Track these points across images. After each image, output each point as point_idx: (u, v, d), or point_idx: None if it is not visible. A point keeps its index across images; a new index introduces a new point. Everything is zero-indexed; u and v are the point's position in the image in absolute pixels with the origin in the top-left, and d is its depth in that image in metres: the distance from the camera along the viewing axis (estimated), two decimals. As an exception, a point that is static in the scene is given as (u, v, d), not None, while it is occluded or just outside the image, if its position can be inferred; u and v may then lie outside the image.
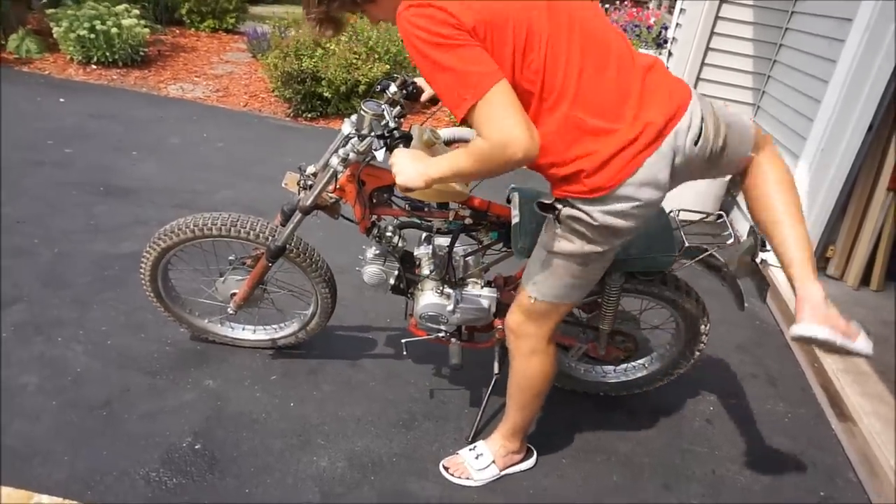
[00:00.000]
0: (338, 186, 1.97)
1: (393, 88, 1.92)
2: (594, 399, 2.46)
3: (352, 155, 1.80)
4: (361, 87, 5.30)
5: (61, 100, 4.88)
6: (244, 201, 3.69)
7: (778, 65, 4.25)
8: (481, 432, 2.22)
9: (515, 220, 1.91)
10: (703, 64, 4.56)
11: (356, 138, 1.81)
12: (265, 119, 5.26)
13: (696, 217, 2.09)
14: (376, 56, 5.40)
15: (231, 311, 2.26)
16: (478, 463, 2.03)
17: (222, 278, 2.24)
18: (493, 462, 2.03)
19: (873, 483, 2.27)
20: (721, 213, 2.14)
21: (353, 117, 1.98)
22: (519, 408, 1.96)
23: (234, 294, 2.23)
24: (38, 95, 4.88)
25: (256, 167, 4.22)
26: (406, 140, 1.67)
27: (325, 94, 5.25)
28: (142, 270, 2.19)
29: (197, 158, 4.22)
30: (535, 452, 2.13)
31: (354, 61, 5.23)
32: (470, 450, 2.07)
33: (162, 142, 4.39)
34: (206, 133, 4.68)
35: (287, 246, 2.06)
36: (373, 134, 1.77)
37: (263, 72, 5.97)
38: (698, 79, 4.59)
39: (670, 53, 4.90)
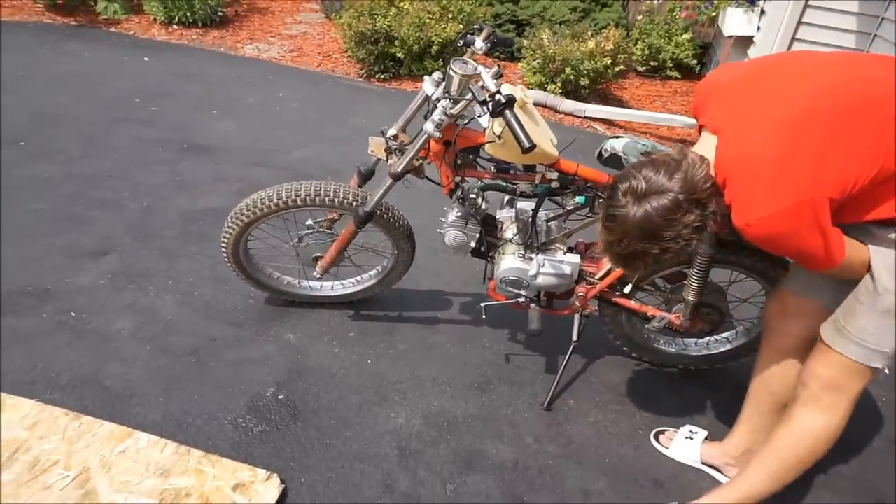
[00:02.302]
0: (413, 139, 1.94)
1: (479, 44, 1.86)
2: (672, 372, 2.39)
3: (446, 119, 1.75)
4: (434, 48, 5.22)
5: (145, 59, 5.03)
6: (318, 161, 3.73)
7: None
8: (556, 399, 2.19)
9: (622, 143, 1.85)
10: (799, 22, 4.25)
11: (447, 101, 1.76)
12: (338, 79, 5.27)
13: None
14: (450, 15, 5.29)
15: (318, 275, 2.29)
16: None
17: (303, 243, 2.25)
18: None
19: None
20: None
21: (436, 75, 1.93)
22: (772, 470, 1.62)
23: (317, 258, 2.26)
24: (125, 55, 5.04)
25: (329, 127, 4.25)
26: (511, 104, 1.61)
27: (398, 55, 5.20)
28: (224, 245, 2.18)
29: (272, 118, 4.28)
30: None
31: (428, 20, 5.15)
32: None
33: (240, 101, 4.47)
34: (282, 93, 4.73)
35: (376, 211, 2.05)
36: (468, 97, 1.72)
37: (337, 32, 5.97)
38: (794, 39, 4.29)
39: (763, 12, 4.59)
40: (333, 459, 1.86)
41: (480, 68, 1.69)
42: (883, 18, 3.88)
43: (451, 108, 1.75)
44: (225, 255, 2.21)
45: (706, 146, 1.39)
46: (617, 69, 5.37)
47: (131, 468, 1.69)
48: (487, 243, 2.12)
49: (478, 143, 1.90)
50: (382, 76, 5.33)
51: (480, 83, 1.67)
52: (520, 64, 5.64)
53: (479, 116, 1.64)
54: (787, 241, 1.31)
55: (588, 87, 5.23)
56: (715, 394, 2.32)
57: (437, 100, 1.78)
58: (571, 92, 5.25)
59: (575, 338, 2.19)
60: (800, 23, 4.23)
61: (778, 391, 1.77)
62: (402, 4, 5.15)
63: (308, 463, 1.84)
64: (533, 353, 2.40)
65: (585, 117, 5.09)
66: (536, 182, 1.96)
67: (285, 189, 2.06)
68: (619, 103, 5.64)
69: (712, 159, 1.36)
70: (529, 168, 1.95)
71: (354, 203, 2.07)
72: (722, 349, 2.34)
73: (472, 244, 2.11)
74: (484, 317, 2.19)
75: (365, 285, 2.47)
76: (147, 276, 2.55)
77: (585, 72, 5.10)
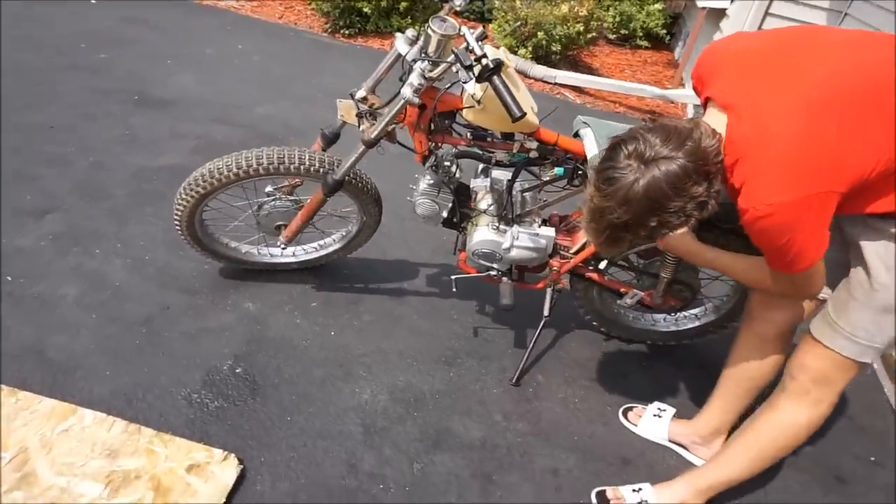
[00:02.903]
0: (387, 103, 1.81)
1: (458, 0, 1.73)
2: (641, 348, 2.37)
3: (425, 83, 1.62)
4: (403, 4, 5.02)
5: (92, 1, 4.68)
6: (282, 119, 3.55)
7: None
8: (525, 374, 2.15)
9: (592, 153, 1.76)
10: (775, -4, 4.21)
11: (425, 63, 1.63)
12: (301, 33, 5.02)
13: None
14: (421, -30, 5.07)
15: (282, 245, 2.16)
16: None
17: (263, 211, 2.10)
18: None
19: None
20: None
21: (409, 33, 1.81)
22: (750, 458, 1.63)
23: (279, 226, 2.13)
24: (68, -5, 4.68)
25: (293, 84, 4.04)
26: (499, 69, 1.50)
27: (365, 10, 4.97)
28: (177, 218, 2.01)
29: (232, 71, 4.05)
30: None
31: (397, -25, 4.93)
32: (634, 490, 1.76)
33: (197, 52, 4.21)
34: (241, 45, 4.47)
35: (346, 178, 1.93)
36: (450, 59, 1.59)
37: (301, -18, 5.68)
38: (766, 13, 4.25)
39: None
40: (295, 437, 1.78)
41: (464, 29, 1.57)
42: (855, -3, 3.87)
43: (431, 71, 1.63)
44: (178, 227, 2.06)
45: (713, 122, 1.30)
46: (589, 36, 5.25)
47: (75, 448, 1.57)
48: (460, 213, 2.03)
49: (454, 108, 1.79)
50: (348, 32, 5.11)
51: (464, 45, 1.55)
52: (491, 26, 5.47)
53: (464, 83, 1.52)
54: (784, 234, 1.23)
55: (559, 53, 5.11)
56: (683, 371, 2.32)
57: (414, 61, 1.65)
58: (542, 57, 5.13)
59: (546, 312, 2.14)
60: (774, -4, 4.19)
61: (755, 376, 1.75)
62: (370, -44, 4.90)
63: (268, 441, 1.75)
64: (501, 327, 2.34)
65: (555, 84, 4.99)
66: (514, 151, 1.87)
67: (245, 157, 1.91)
68: (590, 71, 5.55)
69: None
70: (507, 136, 1.85)
71: (321, 170, 1.94)
72: (691, 325, 2.33)
73: (444, 214, 2.02)
74: (454, 290, 2.12)
75: (328, 250, 2.36)
76: (94, 238, 2.38)
77: (558, 37, 4.98)
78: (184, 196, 1.94)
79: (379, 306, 2.33)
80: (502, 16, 5.25)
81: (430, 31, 1.61)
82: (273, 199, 2.08)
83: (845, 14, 4.03)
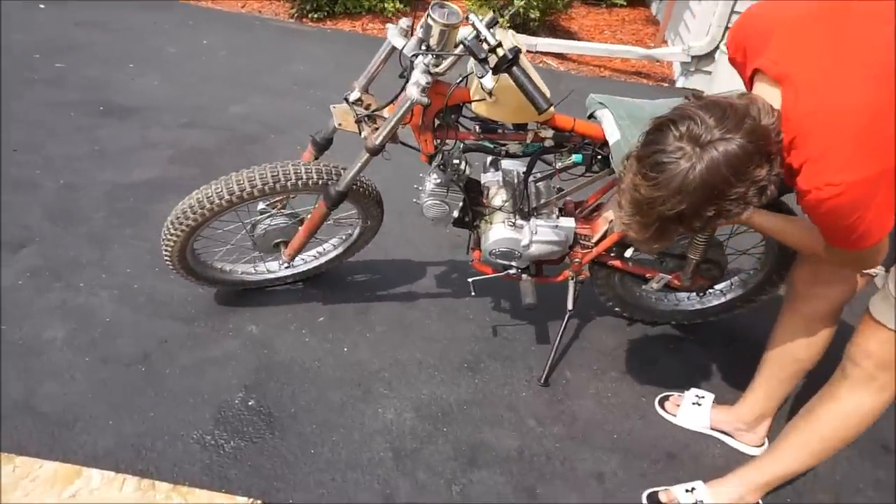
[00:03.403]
0: (389, 102, 1.65)
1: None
2: (667, 331, 2.27)
3: (432, 80, 1.46)
4: (371, -18, 4.78)
5: (41, 6, 4.38)
6: (258, 117, 3.35)
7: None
8: (554, 371, 2.04)
9: (614, 138, 1.62)
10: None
11: (429, 57, 1.47)
12: (267, 21, 4.77)
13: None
14: (386, -56, 4.83)
15: (285, 263, 2.01)
16: None
17: (259, 231, 1.94)
18: None
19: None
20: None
21: (403, 23, 1.64)
22: (811, 451, 1.53)
23: (278, 243, 1.97)
24: (15, 2, 4.37)
25: (265, 77, 3.83)
26: (517, 59, 1.35)
27: (332, -9, 4.73)
28: (167, 254, 1.85)
29: (199, 69, 3.82)
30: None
31: (362, -49, 4.68)
32: (687, 490, 1.67)
33: (159, 52, 3.96)
34: (206, 40, 4.23)
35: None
36: (458, 51, 1.43)
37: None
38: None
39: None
40: (322, 472, 1.66)
41: (472, 17, 1.41)
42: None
43: (436, 66, 1.47)
44: (169, 263, 1.90)
45: (765, 96, 1.16)
46: (568, -1, 5.07)
47: (86, 515, 1.43)
48: (472, 212, 1.89)
49: (462, 102, 1.63)
50: (316, 15, 4.87)
51: (471, 33, 1.39)
52: (465, -4, 5.26)
53: (479, 77, 1.37)
54: (852, 214, 1.11)
55: (538, 20, 4.92)
56: (711, 350, 2.22)
57: (415, 56, 1.49)
58: (520, 25, 4.93)
59: (570, 306, 2.02)
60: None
61: (802, 358, 1.65)
62: (331, -67, 4.64)
63: (294, 479, 1.63)
64: (521, 323, 2.22)
65: (537, 52, 4.81)
66: (528, 141, 1.72)
67: (236, 180, 1.73)
68: (569, 35, 5.37)
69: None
70: (520, 126, 1.70)
71: (320, 182, 1.78)
72: (717, 302, 2.22)
73: (455, 214, 1.87)
74: (473, 293, 1.98)
75: (328, 257, 2.21)
76: (76, 269, 2.20)
77: (535, 3, 4.79)
78: (173, 231, 1.77)
79: (389, 314, 2.19)
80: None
81: (430, 21, 1.44)
82: (267, 217, 1.91)
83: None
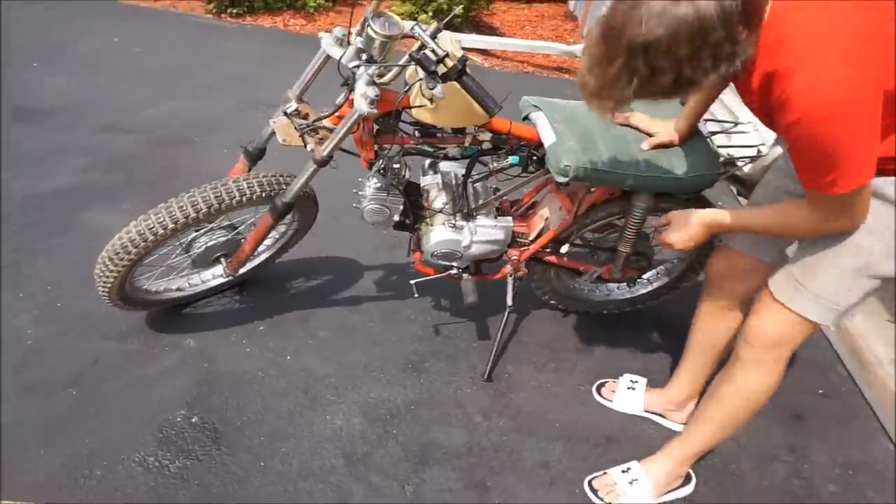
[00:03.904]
0: (337, 115, 1.65)
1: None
2: (595, 318, 2.38)
3: (379, 92, 1.46)
4: (291, -24, 4.68)
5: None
6: (183, 118, 3.23)
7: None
8: (496, 366, 2.10)
9: (550, 140, 1.68)
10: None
11: (371, 67, 1.47)
12: (183, 17, 4.58)
13: (723, 126, 1.94)
14: (304, -62, 4.73)
15: (230, 276, 1.97)
16: (632, 490, 1.73)
17: (197, 248, 1.88)
18: (651, 490, 1.73)
19: (863, 375, 2.35)
20: (751, 121, 1.98)
21: (337, 31, 1.64)
22: (720, 426, 1.65)
23: (219, 257, 1.92)
24: None
25: (186, 76, 3.68)
26: (465, 68, 1.37)
27: (251, -14, 4.60)
28: (105, 293, 1.77)
29: (113, 68, 3.63)
30: (693, 476, 1.81)
31: (280, -55, 4.57)
32: (623, 471, 1.77)
33: (66, 49, 3.73)
34: (118, 36, 4.02)
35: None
36: (403, 61, 1.44)
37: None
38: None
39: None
40: (274, 484, 1.64)
41: (417, 28, 1.42)
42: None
43: (381, 77, 1.47)
44: (107, 299, 1.82)
45: None
46: (490, -6, 5.14)
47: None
48: (413, 215, 1.91)
49: (402, 108, 1.64)
50: (235, 11, 4.72)
51: (418, 44, 1.41)
52: (387, -9, 5.23)
53: (431, 88, 1.38)
54: (835, 134, 1.06)
55: (461, 16, 4.97)
56: (643, 334, 2.35)
57: (357, 67, 1.49)
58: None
59: (510, 302, 2.08)
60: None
61: (719, 343, 1.79)
62: (247, -75, 4.50)
63: (245, 495, 1.60)
64: (461, 321, 2.27)
65: (462, 48, 4.85)
66: (466, 144, 1.76)
67: (178, 206, 1.67)
68: (492, 31, 5.46)
69: None
70: (458, 130, 1.74)
71: (264, 194, 1.75)
72: (644, 291, 2.35)
73: (396, 217, 1.89)
74: (416, 295, 2.00)
75: (261, 258, 2.18)
76: (-11, 288, 2.07)
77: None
78: (112, 267, 1.69)
79: (331, 318, 2.19)
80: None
81: (370, 33, 1.44)
82: (204, 234, 1.86)
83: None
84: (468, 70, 1.42)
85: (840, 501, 1.84)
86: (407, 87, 1.51)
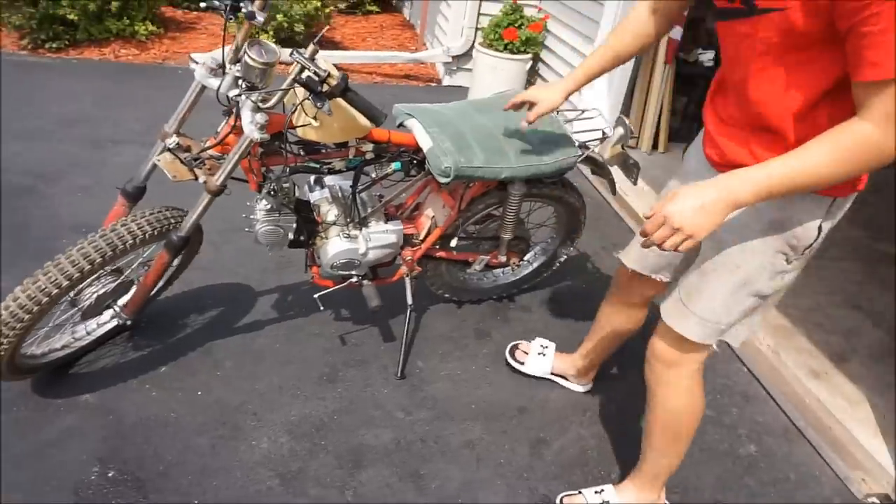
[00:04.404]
0: (219, 142, 1.66)
1: (259, 17, 1.62)
2: (487, 304, 2.56)
3: (268, 117, 1.50)
4: (114, 5, 4.42)
5: None
6: (20, 166, 2.96)
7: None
8: (407, 364, 2.20)
9: (428, 145, 1.81)
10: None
11: (253, 94, 1.51)
12: (-7, 56, 4.16)
13: (573, 115, 2.18)
14: (123, -37, 4.49)
15: (127, 320, 1.87)
16: None
17: (85, 300, 1.78)
18: None
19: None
20: (596, 108, 2.25)
21: (208, 60, 1.66)
22: (662, 452, 1.65)
23: (109, 304, 1.83)
24: None
25: (13, 120, 3.37)
26: (347, 84, 1.45)
27: (70, 17, 4.28)
28: None
29: (-81, 121, 3.23)
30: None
31: (97, -28, 4.30)
32: (597, 492, 1.77)
33: None
34: (-83, 84, 3.57)
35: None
36: (286, 85, 1.49)
37: (-35, -7, 4.66)
38: (487, -31, 4.61)
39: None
40: (212, 518, 1.62)
41: (296, 55, 1.47)
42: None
43: (265, 102, 1.51)
44: None
45: None
46: (327, 10, 5.21)
47: None
48: (306, 230, 1.95)
49: (284, 129, 1.69)
50: (55, 45, 4.38)
51: (295, 68, 1.47)
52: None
53: (319, 107, 1.44)
54: None
55: (302, 33, 4.99)
56: (531, 314, 2.56)
57: (238, 95, 1.52)
58: (286, 39, 4.96)
59: (410, 301, 2.20)
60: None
61: (620, 329, 1.94)
62: (55, -47, 4.19)
63: (185, 535, 1.57)
64: (364, 327, 2.34)
65: (309, 65, 4.88)
66: (350, 156, 1.84)
67: (71, 262, 1.57)
68: (335, 45, 5.53)
69: None
70: (341, 144, 1.82)
71: (157, 232, 1.70)
72: (526, 272, 2.57)
73: (291, 235, 1.92)
74: (321, 308, 2.05)
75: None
76: None
77: (298, 16, 4.85)
78: (0, 340, 1.56)
79: (234, 347, 2.16)
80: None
81: (249, 61, 1.49)
82: (90, 284, 1.77)
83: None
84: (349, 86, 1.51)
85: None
86: (294, 108, 1.56)
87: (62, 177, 2.95)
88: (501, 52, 4.41)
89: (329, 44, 5.43)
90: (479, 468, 1.88)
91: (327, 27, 5.28)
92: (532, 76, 4.73)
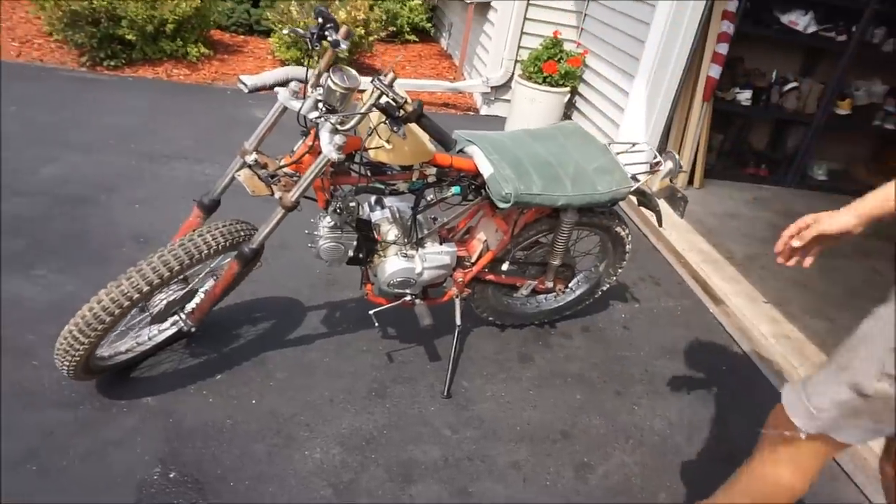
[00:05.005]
0: (295, 160, 1.74)
1: (343, 45, 1.72)
2: (529, 329, 2.60)
3: (346, 139, 1.59)
4: (170, 27, 4.61)
5: None
6: (79, 178, 3.09)
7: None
8: (453, 384, 2.24)
9: (489, 172, 1.89)
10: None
11: (332, 117, 1.60)
12: (54, 71, 4.35)
13: (624, 147, 2.25)
14: (180, -12, 4.68)
15: (192, 328, 1.95)
16: None
17: (155, 306, 1.86)
18: None
19: (753, 348, 2.76)
20: (646, 142, 2.32)
21: (292, 86, 1.77)
22: None
23: (176, 310, 1.91)
24: None
25: (74, 133, 3.52)
26: (422, 109, 1.54)
27: (128, 37, 4.47)
28: (70, 370, 1.73)
29: (-13, 130, 3.39)
30: None
31: (156, -5, 4.50)
32: None
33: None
34: (-15, 96, 3.75)
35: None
36: (364, 109, 1.58)
37: (31, 10, 4.89)
38: (529, 4, 4.74)
39: (496, -22, 4.97)
40: (270, 524, 1.66)
41: (377, 81, 1.56)
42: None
43: (343, 125, 1.60)
44: (72, 376, 1.77)
45: None
46: (371, 38, 5.37)
47: None
48: (365, 248, 2.02)
49: (355, 150, 1.77)
50: (112, 63, 4.56)
51: (373, 93, 1.56)
52: (271, 39, 5.29)
53: (395, 131, 1.53)
54: None
55: (346, 60, 5.15)
56: (572, 340, 2.60)
57: (319, 117, 1.61)
58: (331, 65, 5.10)
59: (458, 322, 2.25)
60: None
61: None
62: (119, -23, 4.39)
63: (244, 538, 1.62)
64: (411, 345, 2.39)
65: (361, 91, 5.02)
66: (413, 179, 1.92)
67: (152, 268, 1.66)
68: (375, 72, 5.67)
69: None
70: (406, 167, 1.89)
71: (229, 244, 1.78)
72: (570, 298, 2.62)
73: (351, 253, 2.00)
74: (376, 325, 2.11)
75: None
76: None
77: (343, 43, 5.00)
78: (81, 340, 1.64)
79: (287, 359, 2.22)
80: (280, 27, 5.11)
81: (332, 86, 1.58)
82: (160, 290, 1.85)
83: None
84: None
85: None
86: (370, 132, 1.65)
87: (119, 188, 3.07)
88: (540, 84, 4.52)
89: (369, 70, 5.59)
90: (526, 489, 1.90)
91: (398, 58, 5.49)
92: (569, 108, 4.83)
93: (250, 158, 1.76)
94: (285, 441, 1.91)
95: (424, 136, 1.81)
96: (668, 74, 3.85)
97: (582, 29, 4.80)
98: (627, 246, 2.42)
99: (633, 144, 2.26)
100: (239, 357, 2.19)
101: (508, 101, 4.96)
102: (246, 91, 2.42)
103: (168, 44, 4.72)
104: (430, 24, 6.89)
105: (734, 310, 3.01)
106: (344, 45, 1.69)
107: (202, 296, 2.00)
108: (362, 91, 1.71)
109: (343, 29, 1.73)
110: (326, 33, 1.70)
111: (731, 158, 4.72)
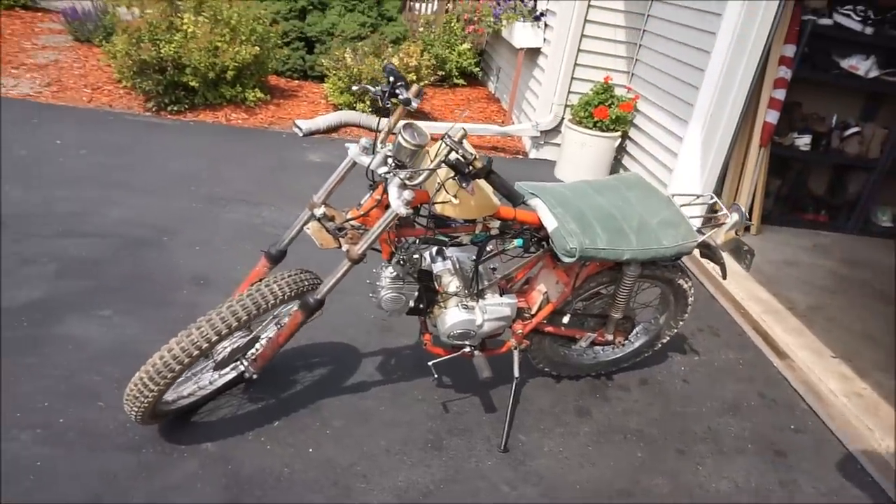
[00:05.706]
0: (362, 213, 1.77)
1: (414, 103, 1.76)
2: (585, 381, 2.54)
3: (414, 194, 1.62)
4: (230, 73, 4.79)
5: None
6: (144, 219, 3.20)
7: (649, 35, 4.57)
8: (509, 438, 2.19)
9: (553, 225, 1.87)
10: (582, 35, 4.75)
11: (402, 172, 1.62)
12: (121, 116, 4.56)
13: (688, 199, 2.21)
14: (242, 37, 4.88)
15: (254, 375, 1.98)
16: None
17: (219, 354, 1.89)
18: None
19: (821, 406, 2.63)
20: (712, 194, 2.28)
21: (363, 142, 1.80)
22: None
23: (240, 357, 1.94)
24: None
25: (138, 176, 3.66)
26: (491, 166, 1.55)
27: (191, 84, 4.67)
28: (137, 414, 1.77)
29: (60, 171, 3.55)
30: None
31: (219, 44, 4.70)
32: None
33: (7, 155, 3.62)
34: (59, 139, 3.94)
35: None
36: (432, 166, 1.61)
37: (102, 59, 5.16)
38: (579, 50, 4.78)
39: (546, 25, 5.04)
40: (329, 581, 1.63)
41: (447, 139, 1.58)
42: (649, 16, 4.54)
43: (411, 180, 1.62)
44: (140, 420, 1.80)
45: None
46: (422, 84, 5.47)
47: None
48: (426, 299, 2.02)
49: (422, 203, 1.79)
50: (175, 108, 4.75)
51: (441, 149, 1.58)
52: (325, 84, 5.45)
53: (464, 187, 1.54)
54: None
55: (396, 104, 5.24)
56: (630, 393, 2.52)
57: (388, 172, 1.64)
58: (382, 109, 5.22)
59: (516, 373, 2.21)
60: (582, 36, 4.74)
61: None
62: (185, 28, 4.61)
63: None
64: (465, 396, 2.36)
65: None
66: (476, 231, 1.92)
67: (221, 318, 1.70)
68: (425, 116, 5.78)
69: None
70: (470, 220, 1.90)
71: (294, 294, 1.80)
72: (628, 350, 2.55)
73: (412, 303, 2.00)
74: (435, 376, 2.09)
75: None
76: (-23, 413, 1.95)
77: (395, 88, 5.11)
78: (151, 387, 1.68)
79: (343, 406, 2.22)
80: (335, 73, 5.26)
81: (402, 142, 1.60)
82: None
83: (644, 31, 4.69)
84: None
85: (834, 525, 2.04)
86: (439, 187, 1.66)
87: (180, 230, 3.16)
88: (591, 129, 4.52)
89: (419, 114, 5.69)
90: (588, 554, 1.83)
91: (465, 113, 5.63)
92: (619, 153, 4.80)
93: (318, 212, 1.78)
94: (343, 492, 1.89)
95: (490, 190, 1.82)
96: (724, 120, 3.79)
97: (632, 74, 4.80)
98: (690, 298, 2.36)
99: (697, 196, 2.23)
100: (296, 403, 2.19)
101: (558, 144, 4.97)
102: (300, 135, 2.51)
103: (228, 89, 4.91)
104: (478, 69, 7.01)
105: (800, 364, 2.89)
106: (415, 104, 1.72)
107: (264, 342, 2.02)
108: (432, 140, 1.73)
109: (414, 87, 1.77)
110: (397, 91, 1.73)
111: (788, 204, 4.60)
